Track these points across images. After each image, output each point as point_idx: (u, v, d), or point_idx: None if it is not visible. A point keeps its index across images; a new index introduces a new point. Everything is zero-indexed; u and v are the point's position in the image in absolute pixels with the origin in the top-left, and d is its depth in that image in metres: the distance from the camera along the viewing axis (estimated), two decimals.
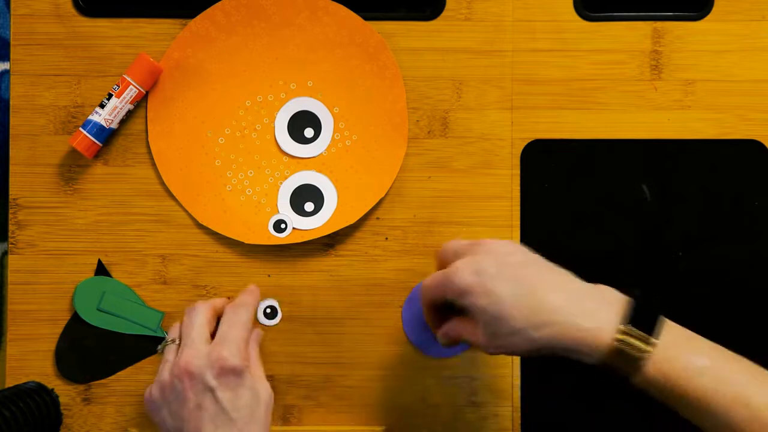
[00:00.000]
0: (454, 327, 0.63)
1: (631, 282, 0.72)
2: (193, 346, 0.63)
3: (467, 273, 0.58)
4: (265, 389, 0.64)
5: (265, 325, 0.72)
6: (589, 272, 0.62)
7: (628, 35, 0.73)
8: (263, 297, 0.72)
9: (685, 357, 0.55)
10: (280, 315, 0.72)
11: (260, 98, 0.72)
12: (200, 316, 0.65)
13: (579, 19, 0.72)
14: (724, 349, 0.56)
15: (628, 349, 0.55)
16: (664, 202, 0.72)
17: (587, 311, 0.56)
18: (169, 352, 0.65)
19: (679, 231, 0.72)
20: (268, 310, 0.72)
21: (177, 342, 0.65)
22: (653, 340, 0.55)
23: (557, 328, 0.56)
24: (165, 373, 0.63)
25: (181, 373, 0.62)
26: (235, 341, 0.63)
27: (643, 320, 0.56)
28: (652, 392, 0.56)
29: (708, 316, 0.72)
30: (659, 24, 0.73)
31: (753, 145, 0.72)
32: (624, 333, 0.55)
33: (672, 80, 0.73)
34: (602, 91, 0.73)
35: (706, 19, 0.73)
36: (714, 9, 0.72)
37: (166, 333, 0.71)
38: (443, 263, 0.62)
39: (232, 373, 0.62)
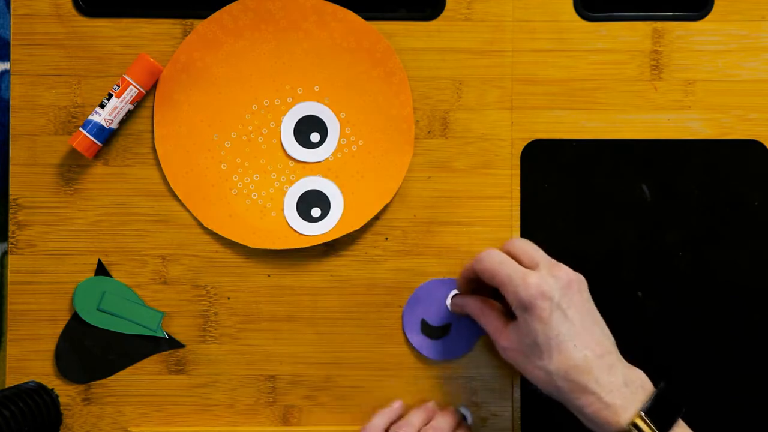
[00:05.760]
0: (478, 309, 0.63)
1: (632, 282, 0.72)
2: None
3: (538, 292, 0.58)
4: None
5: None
6: (589, 272, 0.62)
7: (628, 35, 0.72)
8: (263, 296, 0.72)
9: None
10: (470, 420, 0.71)
11: (267, 102, 0.72)
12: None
13: (579, 19, 0.72)
14: None
15: None
16: (664, 202, 0.72)
17: (616, 387, 0.57)
18: None
19: (679, 231, 0.72)
20: None
21: None
22: None
23: (585, 396, 0.57)
24: None
25: None
26: None
27: (662, 413, 0.56)
28: None
29: (708, 317, 0.72)
30: (659, 24, 0.73)
31: (753, 145, 0.72)
32: (641, 419, 0.56)
33: (672, 80, 0.73)
34: (602, 91, 0.73)
35: (706, 19, 0.73)
36: (714, 9, 0.72)
37: (166, 333, 0.71)
38: (509, 252, 0.62)
39: None
